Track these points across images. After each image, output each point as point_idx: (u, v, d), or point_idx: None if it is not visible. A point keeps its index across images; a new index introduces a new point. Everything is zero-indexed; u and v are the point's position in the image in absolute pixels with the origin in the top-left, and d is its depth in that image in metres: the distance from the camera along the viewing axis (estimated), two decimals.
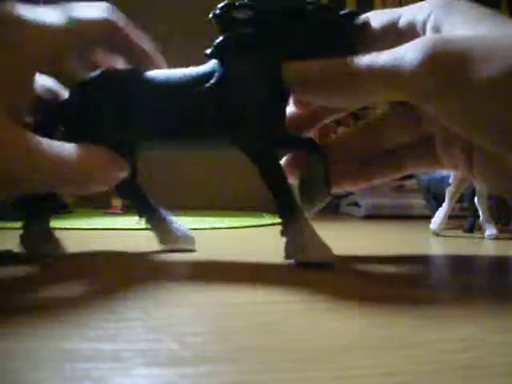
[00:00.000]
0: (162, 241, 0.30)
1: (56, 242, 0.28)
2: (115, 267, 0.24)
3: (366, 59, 0.21)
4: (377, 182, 0.30)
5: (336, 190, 0.29)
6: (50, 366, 0.10)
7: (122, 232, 0.43)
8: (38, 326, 0.13)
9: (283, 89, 0.24)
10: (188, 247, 0.29)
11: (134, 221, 0.50)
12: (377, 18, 0.25)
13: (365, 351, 0.12)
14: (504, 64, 0.18)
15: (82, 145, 0.24)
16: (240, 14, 0.23)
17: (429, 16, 0.22)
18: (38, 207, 0.28)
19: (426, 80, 0.20)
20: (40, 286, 0.19)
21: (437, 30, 0.22)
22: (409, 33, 0.24)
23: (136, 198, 0.30)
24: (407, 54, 0.20)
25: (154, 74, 0.26)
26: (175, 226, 0.30)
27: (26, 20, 0.22)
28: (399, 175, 0.30)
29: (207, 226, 0.53)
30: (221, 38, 0.24)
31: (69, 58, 0.26)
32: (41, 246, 0.28)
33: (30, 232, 0.28)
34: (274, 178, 0.24)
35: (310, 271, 0.22)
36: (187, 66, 0.26)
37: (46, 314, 0.14)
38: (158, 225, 0.30)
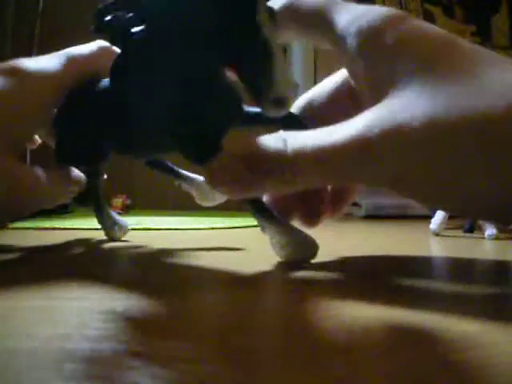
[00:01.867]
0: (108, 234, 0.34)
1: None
2: (114, 267, 0.24)
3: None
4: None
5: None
6: (50, 366, 0.10)
7: None
8: (38, 326, 0.13)
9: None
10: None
11: (133, 221, 0.50)
12: None
13: (365, 351, 0.12)
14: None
15: (40, 168, 0.28)
16: (126, 23, 0.21)
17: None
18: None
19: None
20: (38, 286, 0.19)
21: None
22: None
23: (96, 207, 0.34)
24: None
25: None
26: (117, 218, 0.35)
27: (32, 72, 0.26)
28: None
29: (206, 226, 0.53)
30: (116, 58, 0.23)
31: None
32: None
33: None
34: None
35: (309, 271, 0.22)
36: None
37: (46, 314, 0.14)
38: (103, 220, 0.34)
